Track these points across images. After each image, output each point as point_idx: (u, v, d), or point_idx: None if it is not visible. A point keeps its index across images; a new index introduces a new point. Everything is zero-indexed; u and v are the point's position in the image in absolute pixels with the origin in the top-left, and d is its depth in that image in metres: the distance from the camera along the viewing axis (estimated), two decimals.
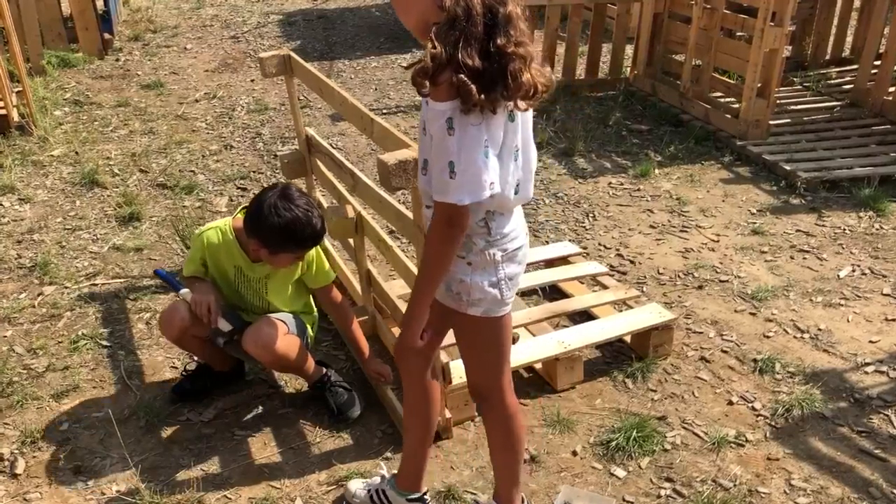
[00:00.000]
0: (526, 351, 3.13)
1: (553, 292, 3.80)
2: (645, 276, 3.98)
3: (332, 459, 2.82)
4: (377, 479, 2.60)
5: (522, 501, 2.49)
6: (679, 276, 3.99)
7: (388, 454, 2.84)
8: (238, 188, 4.97)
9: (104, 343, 3.45)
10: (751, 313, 3.68)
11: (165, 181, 5.04)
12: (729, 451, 2.87)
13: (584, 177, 5.13)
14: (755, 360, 3.33)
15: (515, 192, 2.02)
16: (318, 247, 2.94)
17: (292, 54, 3.51)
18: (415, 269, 2.80)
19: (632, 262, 4.13)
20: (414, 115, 6.13)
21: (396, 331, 3.15)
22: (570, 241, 4.26)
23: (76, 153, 5.39)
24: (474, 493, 2.69)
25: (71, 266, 4.05)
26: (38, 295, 3.80)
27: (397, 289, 3.29)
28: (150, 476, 2.73)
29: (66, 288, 3.86)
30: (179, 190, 4.91)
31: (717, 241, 4.34)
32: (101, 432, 2.94)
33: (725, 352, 3.42)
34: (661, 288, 3.89)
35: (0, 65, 5.61)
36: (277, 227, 2.69)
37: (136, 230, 4.42)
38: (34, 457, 2.83)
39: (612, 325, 3.28)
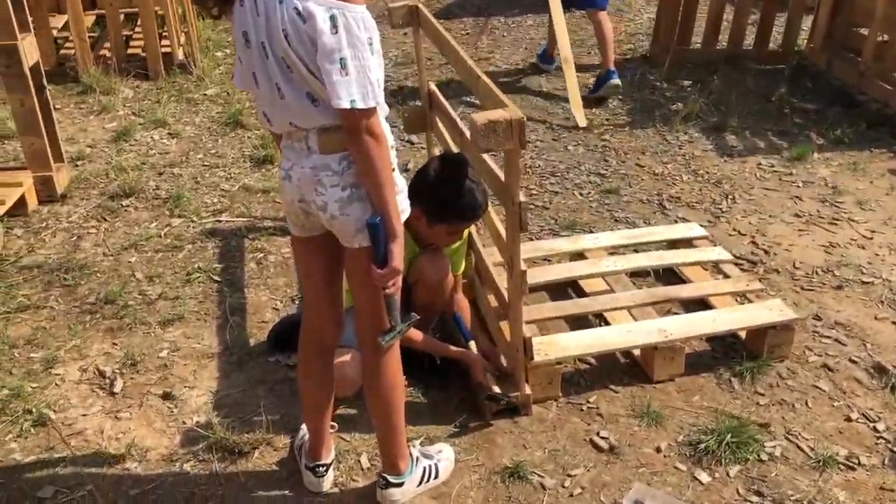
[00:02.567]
0: (624, 335, 2.94)
1: (671, 276, 3.55)
2: (778, 269, 3.64)
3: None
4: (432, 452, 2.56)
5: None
6: (817, 273, 3.62)
7: (455, 425, 2.77)
8: None
9: (216, 278, 3.58)
10: (893, 322, 3.28)
11: None
12: (835, 473, 2.58)
13: (731, 155, 4.76)
14: (889, 376, 2.97)
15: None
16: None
17: (420, 5, 3.42)
18: (503, 233, 2.69)
19: (766, 251, 3.78)
20: (558, 78, 5.90)
21: (492, 299, 3.05)
22: (702, 222, 3.96)
23: (227, 94, 5.60)
24: (542, 476, 2.56)
25: (201, 201, 4.22)
26: (167, 226, 3.99)
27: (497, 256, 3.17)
28: (229, 412, 2.81)
29: (193, 222, 4.03)
30: None
31: (871, 239, 3.89)
32: (195, 363, 3.05)
33: (854, 362, 3.07)
34: (794, 283, 3.54)
35: (172, 6, 5.91)
36: (443, 194, 2.65)
37: (267, 172, 4.54)
38: (132, 378, 2.98)
39: (724, 319, 3.02)
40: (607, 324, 3.15)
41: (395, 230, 2.01)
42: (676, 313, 3.28)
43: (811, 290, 3.50)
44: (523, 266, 2.58)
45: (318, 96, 1.94)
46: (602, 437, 2.72)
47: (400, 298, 2.19)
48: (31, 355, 3.10)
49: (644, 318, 3.06)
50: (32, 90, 3.97)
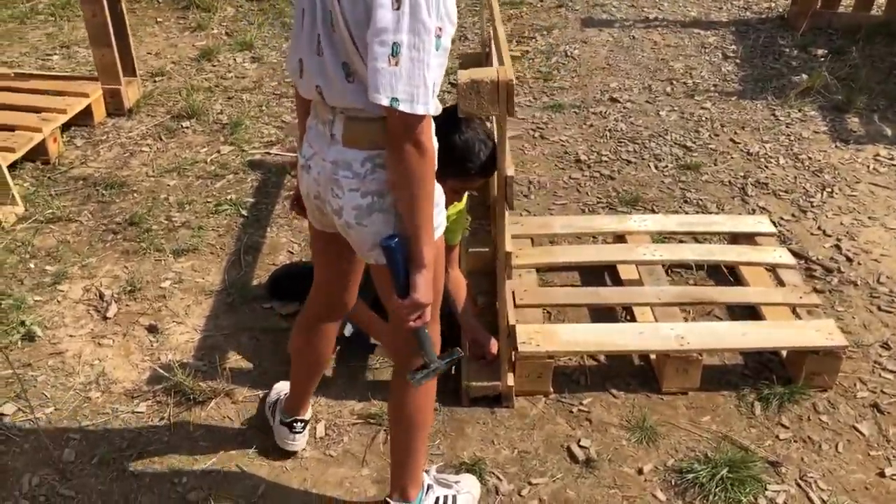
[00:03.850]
0: (635, 337, 2.61)
1: (731, 275, 3.14)
2: (856, 282, 3.14)
3: (375, 392, 2.60)
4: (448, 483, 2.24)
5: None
6: None
7: (436, 404, 2.56)
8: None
9: (243, 212, 3.50)
10: None
11: None
12: None
13: (846, 140, 4.15)
14: None
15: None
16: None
17: None
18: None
19: (849, 259, 3.27)
20: (674, 34, 5.36)
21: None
22: (785, 216, 3.49)
23: None
24: (500, 479, 2.33)
25: (258, 131, 4.15)
26: (216, 152, 3.94)
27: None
28: (204, 355, 2.73)
29: (242, 150, 3.96)
30: None
31: None
32: (192, 299, 2.99)
33: None
34: (871, 301, 3.04)
35: None
36: (457, 142, 2.41)
37: None
38: (127, 305, 2.96)
39: (756, 334, 2.61)
40: (634, 319, 2.83)
41: (421, 259, 1.65)
42: (720, 318, 2.90)
43: (890, 311, 3.00)
44: (509, 247, 2.32)
45: (355, 71, 1.60)
46: (581, 447, 2.44)
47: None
48: (47, 267, 3.15)
49: (667, 320, 2.71)
50: (104, 1, 3.97)
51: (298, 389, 2.32)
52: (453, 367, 2.58)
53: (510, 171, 2.19)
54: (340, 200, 1.70)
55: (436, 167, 1.65)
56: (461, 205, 2.71)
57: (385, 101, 1.51)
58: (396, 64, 1.50)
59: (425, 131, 1.58)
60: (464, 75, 2.04)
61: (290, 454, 2.37)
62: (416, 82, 1.52)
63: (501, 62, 2.15)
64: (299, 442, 2.37)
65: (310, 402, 2.38)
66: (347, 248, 1.87)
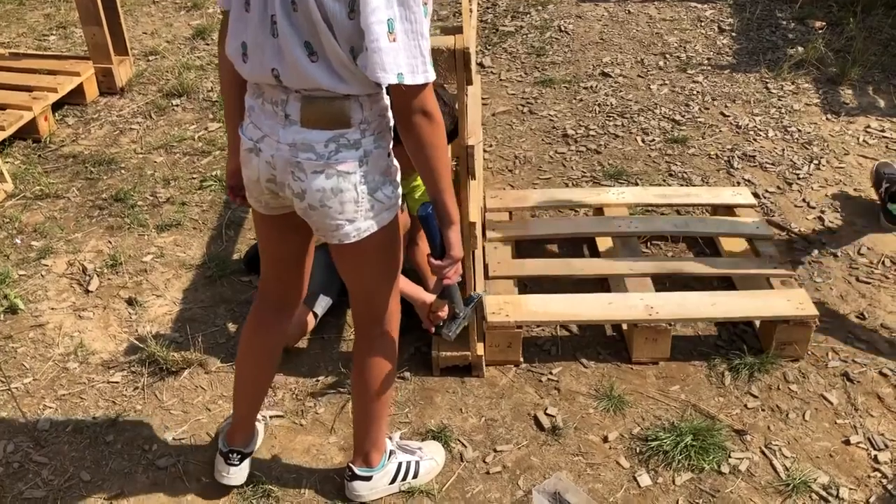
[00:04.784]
0: (604, 307, 2.62)
1: (708, 247, 3.14)
2: (836, 253, 3.12)
3: (347, 363, 2.63)
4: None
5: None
6: (883, 263, 3.07)
7: (407, 373, 2.59)
8: None
9: None
10: None
11: None
12: (803, 503, 2.20)
13: (837, 112, 4.11)
14: None
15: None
16: None
17: None
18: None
19: (831, 231, 3.25)
20: (670, 7, 5.32)
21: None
22: (770, 188, 3.47)
23: None
24: (465, 446, 2.36)
25: None
26: (203, 129, 3.98)
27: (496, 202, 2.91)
28: (181, 326, 2.78)
29: None
30: None
31: None
32: (172, 273, 3.04)
33: (885, 375, 2.59)
34: (850, 272, 3.03)
35: None
36: None
37: None
38: (109, 279, 3.01)
39: (726, 304, 2.62)
40: (609, 291, 2.83)
41: (451, 216, 1.75)
42: (694, 290, 2.90)
43: (868, 282, 2.98)
44: (473, 216, 2.33)
45: (320, 50, 1.56)
46: (548, 415, 2.46)
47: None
48: (33, 243, 3.20)
49: (639, 291, 2.71)
50: None
51: (240, 408, 2.17)
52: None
53: (471, 141, 2.20)
54: (303, 183, 1.67)
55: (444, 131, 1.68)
56: None
57: (393, 79, 1.52)
58: (394, 39, 1.50)
59: (429, 98, 1.59)
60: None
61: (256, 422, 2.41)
62: (415, 52, 1.53)
63: (458, 31, 2.15)
64: (234, 476, 2.16)
65: (254, 432, 2.22)
66: (301, 231, 1.88)
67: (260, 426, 2.33)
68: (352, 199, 1.69)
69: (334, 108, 1.63)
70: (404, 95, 1.57)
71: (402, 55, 1.51)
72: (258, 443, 2.30)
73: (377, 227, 1.76)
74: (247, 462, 2.20)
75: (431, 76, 1.58)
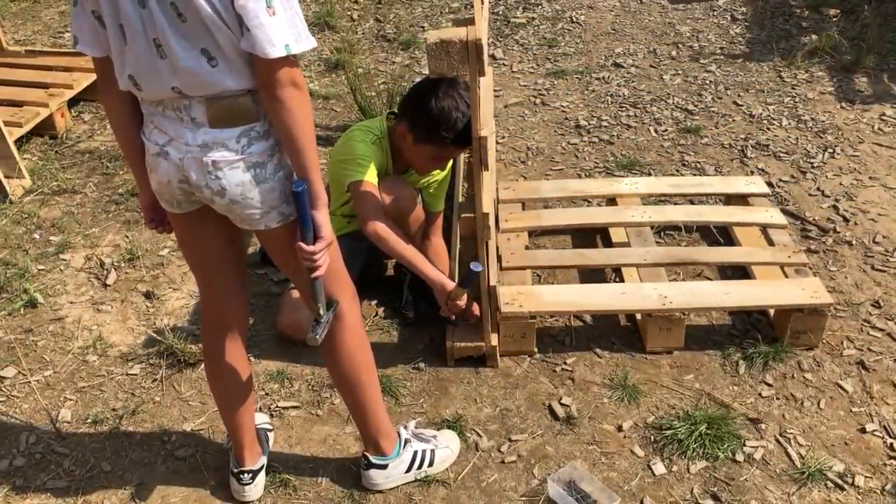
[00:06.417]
0: (617, 297, 2.63)
1: (722, 236, 3.14)
2: (851, 241, 3.11)
3: None
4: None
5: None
6: None
7: (422, 364, 2.61)
8: None
9: None
10: None
11: (388, 34, 4.96)
12: (818, 490, 2.20)
13: (852, 100, 4.09)
14: None
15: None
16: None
17: None
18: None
19: (846, 219, 3.24)
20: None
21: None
22: (784, 177, 3.46)
23: None
24: (480, 436, 2.37)
25: None
26: None
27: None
28: (197, 318, 2.80)
29: None
30: (398, 45, 4.81)
31: None
32: (187, 266, 3.05)
33: None
34: (864, 260, 3.02)
35: None
36: (434, 108, 2.42)
37: (336, 79, 4.44)
38: (126, 273, 3.04)
39: (739, 293, 2.61)
40: (623, 281, 2.84)
41: (319, 195, 1.70)
42: (709, 279, 2.91)
43: (883, 270, 2.97)
44: (486, 207, 2.34)
45: (219, 53, 1.57)
46: (563, 405, 2.47)
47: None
48: (51, 238, 3.24)
49: (652, 280, 2.72)
50: None
51: (233, 427, 2.13)
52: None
53: (484, 132, 2.21)
54: (222, 181, 1.67)
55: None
56: (443, 173, 2.73)
57: (282, 51, 1.52)
58: (274, 13, 1.51)
59: (297, 69, 1.60)
60: (432, 35, 2.06)
61: (273, 414, 2.44)
62: (294, 21, 1.56)
63: (471, 22, 2.16)
64: (251, 493, 2.17)
65: (259, 448, 2.19)
66: (222, 227, 1.85)
67: (270, 434, 2.34)
68: (270, 188, 1.71)
69: (239, 104, 1.64)
70: (273, 70, 1.55)
71: (284, 26, 1.53)
72: (268, 449, 2.29)
73: None
74: (261, 475, 2.19)
75: (313, 41, 1.60)
